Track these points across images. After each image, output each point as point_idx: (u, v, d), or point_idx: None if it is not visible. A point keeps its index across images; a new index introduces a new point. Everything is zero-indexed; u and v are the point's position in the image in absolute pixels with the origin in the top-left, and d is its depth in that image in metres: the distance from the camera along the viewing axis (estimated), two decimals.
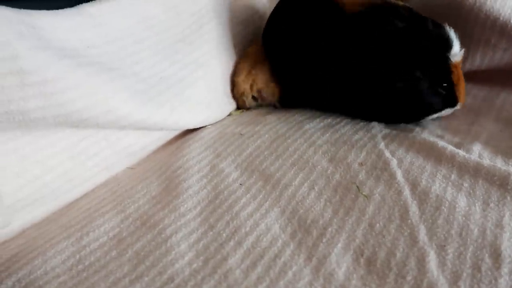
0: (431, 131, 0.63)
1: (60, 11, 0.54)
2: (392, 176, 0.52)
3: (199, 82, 0.71)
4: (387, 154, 0.57)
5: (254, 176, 0.56)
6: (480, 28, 0.72)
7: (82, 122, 0.51)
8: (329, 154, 0.59)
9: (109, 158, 0.59)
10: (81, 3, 0.61)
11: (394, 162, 0.54)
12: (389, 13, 0.62)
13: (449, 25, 0.75)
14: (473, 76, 0.80)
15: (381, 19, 0.62)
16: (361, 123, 0.68)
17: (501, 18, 0.70)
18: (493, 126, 0.64)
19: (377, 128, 0.66)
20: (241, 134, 0.68)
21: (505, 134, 0.61)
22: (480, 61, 0.77)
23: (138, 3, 0.66)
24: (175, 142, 0.68)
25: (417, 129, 0.64)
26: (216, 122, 0.74)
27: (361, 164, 0.55)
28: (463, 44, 0.76)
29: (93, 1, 0.59)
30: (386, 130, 0.65)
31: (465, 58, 0.78)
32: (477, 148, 0.57)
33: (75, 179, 0.56)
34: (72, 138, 0.53)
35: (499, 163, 0.53)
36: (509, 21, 0.69)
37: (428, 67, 0.62)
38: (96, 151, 0.57)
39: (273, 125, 0.70)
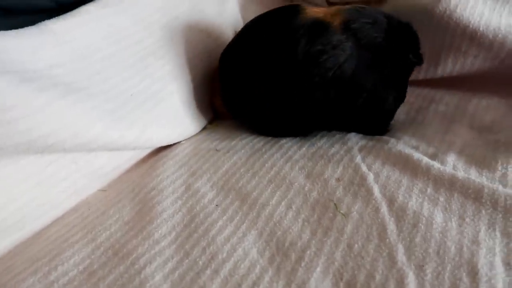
0: (406, 142, 0.63)
1: (20, 31, 0.51)
2: (369, 192, 0.51)
3: (172, 97, 0.69)
4: (364, 168, 0.56)
5: (230, 196, 0.54)
6: (451, 36, 0.73)
7: (47, 148, 0.49)
8: (306, 169, 0.58)
9: (78, 182, 0.57)
10: (43, 20, 0.59)
11: (371, 177, 0.54)
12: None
13: (421, 32, 0.76)
14: (445, 82, 0.81)
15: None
16: (337, 135, 0.68)
17: (471, 26, 0.71)
18: (466, 134, 0.64)
19: (353, 140, 0.66)
20: (216, 150, 0.66)
21: (478, 142, 0.62)
22: (451, 67, 0.78)
23: (105, 17, 0.63)
24: (149, 160, 0.66)
25: (393, 140, 0.64)
26: (191, 137, 0.72)
27: (338, 180, 0.55)
28: (435, 51, 0.77)
29: (56, 18, 0.57)
30: (362, 142, 0.65)
31: (436, 65, 0.79)
32: (451, 158, 0.57)
33: (43, 206, 0.53)
34: (37, 163, 0.51)
35: (473, 174, 0.53)
36: (478, 29, 0.70)
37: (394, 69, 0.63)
38: (64, 176, 0.55)
39: (249, 140, 0.69)
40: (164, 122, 0.66)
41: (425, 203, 0.49)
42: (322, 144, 0.65)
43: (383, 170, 0.56)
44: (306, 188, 0.54)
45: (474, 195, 0.49)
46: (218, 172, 0.60)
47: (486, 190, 0.48)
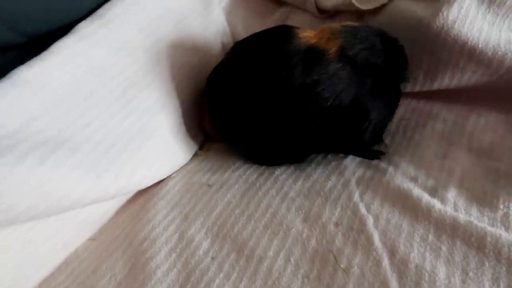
0: (404, 171, 0.61)
1: None
2: (370, 240, 0.50)
3: (161, 130, 0.66)
4: (363, 210, 0.55)
5: (226, 245, 0.52)
6: (448, 52, 0.70)
7: (30, 218, 0.46)
8: (303, 210, 0.56)
9: (66, 234, 0.55)
10: (14, 58, 0.54)
11: (370, 221, 0.53)
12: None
13: (417, 47, 0.73)
14: (441, 95, 0.78)
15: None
16: (333, 163, 0.66)
17: (469, 43, 0.67)
18: (466, 160, 0.63)
19: (350, 170, 0.64)
20: (209, 186, 0.64)
21: (478, 169, 0.60)
22: (448, 81, 0.75)
23: (83, 51, 0.59)
24: (138, 200, 0.63)
25: (390, 169, 0.62)
26: (182, 167, 0.70)
27: (336, 225, 0.53)
28: (431, 65, 0.74)
29: (28, 64, 0.52)
30: (359, 172, 0.63)
31: (433, 79, 0.76)
32: (451, 195, 0.55)
33: (32, 266, 0.51)
34: (20, 230, 0.48)
35: (475, 215, 0.52)
36: (477, 46, 0.67)
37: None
38: (51, 234, 0.52)
39: (242, 171, 0.66)
40: (154, 159, 0.63)
41: (427, 254, 0.47)
42: (318, 176, 0.63)
43: (382, 211, 0.54)
44: (304, 235, 0.52)
45: (477, 243, 0.47)
46: (212, 215, 0.58)
47: (489, 239, 0.47)
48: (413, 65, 0.76)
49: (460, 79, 0.74)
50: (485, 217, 0.52)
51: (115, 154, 0.56)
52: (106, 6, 0.68)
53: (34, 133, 0.48)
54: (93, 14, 0.66)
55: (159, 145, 0.64)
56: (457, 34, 0.67)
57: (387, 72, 0.62)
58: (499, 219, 0.51)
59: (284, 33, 0.62)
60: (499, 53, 0.66)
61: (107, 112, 0.58)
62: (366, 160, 0.66)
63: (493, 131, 0.67)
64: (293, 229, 0.53)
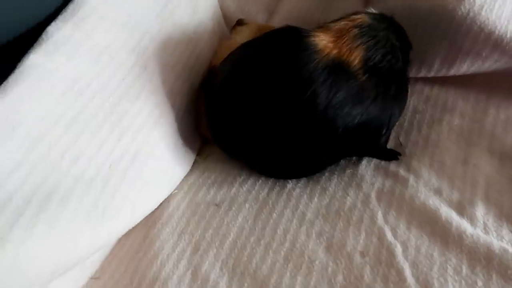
0: (426, 182, 0.57)
1: None
2: (401, 276, 0.47)
3: (158, 146, 0.58)
4: (389, 235, 0.51)
5: (245, 285, 0.48)
6: (472, 41, 0.63)
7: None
8: (325, 237, 0.52)
9: (69, 279, 0.49)
10: None
11: (399, 251, 0.49)
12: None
13: (436, 33, 0.66)
14: (455, 80, 0.73)
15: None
16: (348, 171, 0.61)
17: (497, 32, 0.61)
18: (488, 165, 0.59)
19: (367, 179, 0.59)
20: (216, 205, 0.58)
21: (503, 178, 0.57)
22: (466, 69, 0.69)
23: (56, 68, 0.50)
24: (139, 225, 0.57)
25: (411, 179, 0.58)
26: (183, 181, 0.63)
27: (363, 255, 0.50)
28: (450, 54, 0.68)
29: None
30: (378, 183, 0.58)
31: (450, 66, 0.70)
32: (480, 213, 0.52)
33: None
34: None
35: (506, 238, 0.49)
36: (505, 35, 0.61)
37: None
38: (51, 282, 0.46)
39: (251, 186, 0.61)
40: (155, 182, 0.56)
41: None
42: (334, 189, 0.58)
43: (410, 236, 0.51)
44: (330, 270, 0.49)
45: None
46: (225, 245, 0.53)
47: None
48: (428, 52, 0.69)
49: (479, 67, 0.68)
50: None
51: (112, 190, 0.49)
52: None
53: (15, 191, 0.40)
54: (63, 11, 0.55)
55: (158, 164, 0.57)
56: (484, 22, 0.61)
57: (405, 72, 0.59)
58: None
59: (298, 43, 0.53)
60: None
61: (95, 140, 0.50)
62: (382, 164, 0.62)
63: None
64: (317, 262, 0.50)
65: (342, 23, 0.57)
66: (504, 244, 0.48)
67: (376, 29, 0.57)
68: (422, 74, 0.73)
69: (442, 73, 0.72)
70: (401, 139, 0.66)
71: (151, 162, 0.56)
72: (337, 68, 0.51)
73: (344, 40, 0.54)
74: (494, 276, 0.46)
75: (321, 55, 0.52)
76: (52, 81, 0.48)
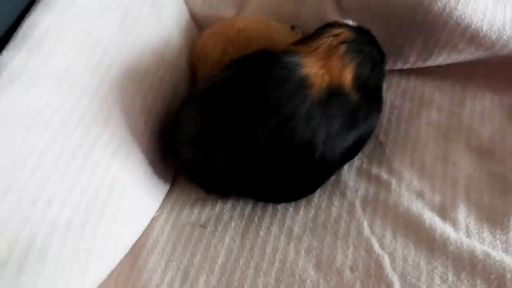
0: (409, 184, 0.58)
1: None
2: None
3: (134, 173, 0.55)
4: (376, 246, 0.52)
5: None
6: (448, 35, 0.62)
7: None
8: (314, 254, 0.52)
9: None
10: None
11: (387, 262, 0.50)
12: None
13: (412, 29, 0.65)
14: (430, 70, 0.72)
15: None
16: (331, 179, 0.60)
17: (473, 26, 0.60)
18: (467, 162, 0.60)
19: (350, 185, 0.59)
20: (201, 226, 0.57)
21: (481, 175, 0.58)
22: (442, 61, 0.68)
23: (18, 102, 0.46)
24: (127, 257, 0.55)
25: (393, 182, 0.58)
26: (164, 201, 0.61)
27: (352, 270, 0.50)
28: (427, 47, 0.67)
29: None
30: (361, 190, 0.58)
31: (426, 59, 0.69)
32: (462, 215, 0.53)
33: None
34: None
35: (488, 239, 0.51)
36: (481, 29, 0.60)
37: None
38: None
39: (235, 200, 0.60)
40: (135, 212, 0.54)
41: None
42: (318, 200, 0.58)
43: (396, 247, 0.52)
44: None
45: (497, 282, 0.47)
46: (215, 269, 0.52)
47: (508, 276, 0.47)
48: (405, 45, 0.68)
49: (455, 59, 0.68)
50: (497, 241, 0.51)
51: (92, 230, 0.47)
52: (30, 20, 0.52)
53: None
54: (14, 37, 0.50)
55: (137, 191, 0.55)
56: (460, 16, 0.60)
57: (382, 83, 0.60)
58: (511, 242, 0.50)
59: (289, 79, 0.50)
60: (504, 37, 0.60)
61: (66, 178, 0.47)
62: (364, 167, 0.62)
63: (490, 121, 0.64)
64: (308, 281, 0.50)
65: (329, 40, 0.55)
66: (486, 247, 0.50)
67: (361, 44, 0.56)
68: (398, 66, 0.72)
69: (418, 65, 0.71)
70: (380, 137, 0.66)
71: (129, 190, 0.54)
72: (332, 97, 0.51)
73: (333, 60, 0.53)
74: (478, 282, 0.47)
75: (315, 89, 0.50)
76: (12, 120, 0.45)
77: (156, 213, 0.59)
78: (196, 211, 0.59)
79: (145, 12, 0.66)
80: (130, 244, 0.54)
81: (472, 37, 0.61)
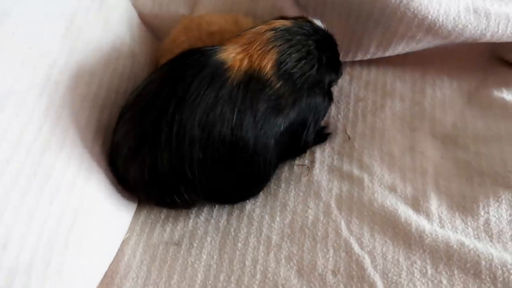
0: (380, 179, 0.58)
1: None
2: None
3: (97, 195, 0.52)
4: (356, 247, 0.51)
5: None
6: (406, 26, 0.62)
7: None
8: (295, 260, 0.51)
9: None
10: None
11: (367, 262, 0.50)
12: None
13: (370, 22, 0.65)
14: (392, 60, 0.73)
15: None
16: (303, 179, 0.60)
17: (430, 17, 0.60)
18: (433, 151, 0.61)
19: (324, 185, 0.59)
20: (175, 244, 0.55)
21: (448, 162, 0.59)
22: (401, 50, 0.69)
23: None
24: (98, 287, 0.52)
25: (366, 178, 0.58)
26: (132, 222, 0.58)
27: (335, 273, 0.50)
28: (385, 38, 0.67)
29: None
30: (335, 188, 0.58)
31: (385, 49, 0.69)
32: (434, 206, 0.54)
33: None
34: None
35: (460, 227, 0.52)
36: (438, 19, 0.60)
37: None
38: None
39: (208, 213, 0.58)
40: (102, 239, 0.51)
41: None
42: (294, 203, 0.57)
43: (375, 244, 0.52)
44: None
45: (473, 270, 0.48)
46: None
47: (483, 263, 0.48)
48: (364, 37, 0.68)
49: (413, 48, 0.69)
50: (469, 228, 0.52)
51: (57, 266, 0.43)
52: None
53: None
54: None
55: (101, 217, 0.51)
56: (417, 7, 0.60)
57: (321, 79, 0.58)
58: (482, 228, 0.52)
59: (207, 66, 0.51)
60: (460, 26, 0.61)
61: (22, 213, 0.43)
62: (335, 165, 0.61)
63: (452, 108, 0.66)
64: None
65: (258, 27, 0.55)
66: (459, 236, 0.51)
67: (294, 33, 0.55)
68: (358, 57, 0.72)
69: (378, 55, 0.71)
70: (348, 132, 0.66)
71: (93, 217, 0.50)
72: (252, 81, 0.51)
73: (255, 45, 0.52)
74: (456, 272, 0.48)
75: (233, 71, 0.51)
76: None
77: (125, 236, 0.56)
78: (168, 228, 0.57)
79: (92, 17, 0.61)
80: (101, 274, 0.50)
81: (429, 27, 0.61)
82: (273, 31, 0.54)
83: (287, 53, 0.53)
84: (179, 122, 0.48)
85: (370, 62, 0.74)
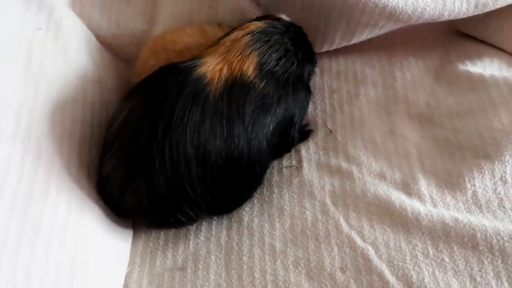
0: (368, 168, 0.59)
1: None
2: (383, 279, 0.49)
3: (93, 236, 0.50)
4: (358, 241, 0.53)
5: None
6: (368, 15, 0.63)
7: None
8: (302, 264, 0.52)
9: None
10: None
11: (372, 253, 0.51)
12: None
13: (335, 15, 0.66)
14: (358, 48, 0.74)
15: None
16: (295, 181, 0.60)
17: (390, 5, 0.61)
18: (412, 132, 0.63)
19: (315, 183, 0.59)
20: (180, 269, 0.54)
21: (428, 141, 0.61)
22: (365, 37, 0.70)
23: None
24: None
25: (354, 170, 0.59)
26: (131, 254, 0.56)
27: (343, 270, 0.51)
28: (349, 28, 0.68)
29: None
30: (327, 185, 0.59)
31: (350, 38, 0.70)
32: (424, 187, 0.56)
33: None
34: None
35: (451, 204, 0.54)
36: (398, 6, 0.61)
37: None
38: None
39: (207, 231, 0.57)
40: (104, 279, 0.49)
41: (436, 272, 0.49)
42: (290, 207, 0.57)
43: (376, 235, 0.53)
44: None
45: (471, 243, 0.50)
46: None
47: (478, 235, 0.50)
48: (328, 29, 0.69)
49: (377, 33, 0.70)
50: (460, 202, 0.55)
51: None
52: None
53: None
54: None
55: (100, 257, 0.50)
56: None
57: (301, 72, 0.60)
58: (471, 200, 0.54)
59: (186, 82, 0.50)
60: (419, 9, 0.63)
61: (17, 274, 0.41)
62: (322, 161, 0.62)
63: (422, 87, 0.68)
64: None
65: (234, 34, 0.56)
66: (453, 213, 0.53)
67: (270, 34, 0.56)
68: (325, 49, 0.73)
69: (343, 44, 0.72)
70: (328, 125, 0.66)
71: (92, 258, 0.48)
72: (234, 87, 0.51)
73: (234, 52, 0.53)
74: (455, 248, 0.51)
75: (213, 84, 0.51)
76: None
77: (127, 270, 0.54)
78: (169, 254, 0.56)
79: (50, 49, 0.57)
80: None
81: (390, 14, 0.63)
82: (250, 35, 0.55)
83: (267, 54, 0.54)
84: (170, 145, 0.47)
85: (336, 52, 0.75)
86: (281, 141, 0.59)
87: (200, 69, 0.52)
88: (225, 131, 0.50)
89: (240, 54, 0.54)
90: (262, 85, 0.54)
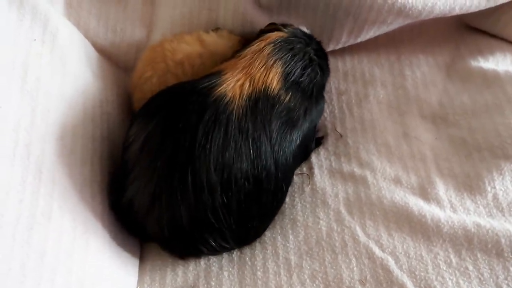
0: (383, 173, 0.57)
1: None
2: None
3: (101, 257, 0.48)
4: (377, 251, 0.50)
5: None
6: (377, 12, 0.61)
7: None
8: (319, 278, 0.50)
9: None
10: None
11: (392, 264, 0.49)
12: None
13: (342, 13, 0.63)
14: (364, 46, 0.72)
15: None
16: (307, 189, 0.58)
17: (400, 1, 0.59)
18: (426, 133, 0.61)
19: (329, 191, 0.57)
20: (192, 287, 0.52)
21: (443, 142, 0.59)
22: (372, 34, 0.68)
23: None
24: None
25: (369, 176, 0.57)
26: (140, 273, 0.54)
27: (363, 283, 0.49)
28: (357, 25, 0.66)
29: None
30: (341, 192, 0.57)
31: (357, 36, 0.68)
32: (442, 191, 0.54)
33: None
34: None
35: (472, 208, 0.52)
36: (407, 1, 0.59)
37: None
38: None
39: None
40: None
41: (460, 281, 0.47)
42: (303, 217, 0.55)
43: (395, 244, 0.51)
44: None
45: (495, 250, 0.48)
46: None
47: (503, 240, 0.48)
48: (334, 27, 0.67)
49: (384, 30, 0.68)
50: (480, 207, 0.53)
51: None
52: None
53: None
54: None
55: (108, 278, 0.47)
56: None
57: (324, 83, 0.60)
58: (492, 204, 0.52)
59: (207, 104, 0.47)
60: (429, 4, 0.60)
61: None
62: (334, 167, 0.60)
63: (434, 86, 0.66)
64: None
65: (255, 45, 0.53)
66: (474, 217, 0.51)
67: (293, 43, 0.54)
68: (330, 48, 0.71)
69: (350, 43, 0.70)
70: (338, 129, 0.64)
71: (100, 283, 0.46)
72: (258, 102, 0.49)
73: (256, 65, 0.51)
74: (479, 255, 0.49)
75: (235, 102, 0.48)
76: None
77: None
78: (179, 271, 0.53)
79: (46, 62, 0.55)
80: None
81: (400, 10, 0.60)
82: (272, 44, 0.53)
83: (292, 62, 0.53)
84: (193, 173, 0.45)
85: (342, 51, 0.72)
86: (302, 152, 0.57)
87: (220, 88, 0.48)
88: (251, 151, 0.47)
89: (263, 66, 0.51)
90: (287, 98, 0.51)
